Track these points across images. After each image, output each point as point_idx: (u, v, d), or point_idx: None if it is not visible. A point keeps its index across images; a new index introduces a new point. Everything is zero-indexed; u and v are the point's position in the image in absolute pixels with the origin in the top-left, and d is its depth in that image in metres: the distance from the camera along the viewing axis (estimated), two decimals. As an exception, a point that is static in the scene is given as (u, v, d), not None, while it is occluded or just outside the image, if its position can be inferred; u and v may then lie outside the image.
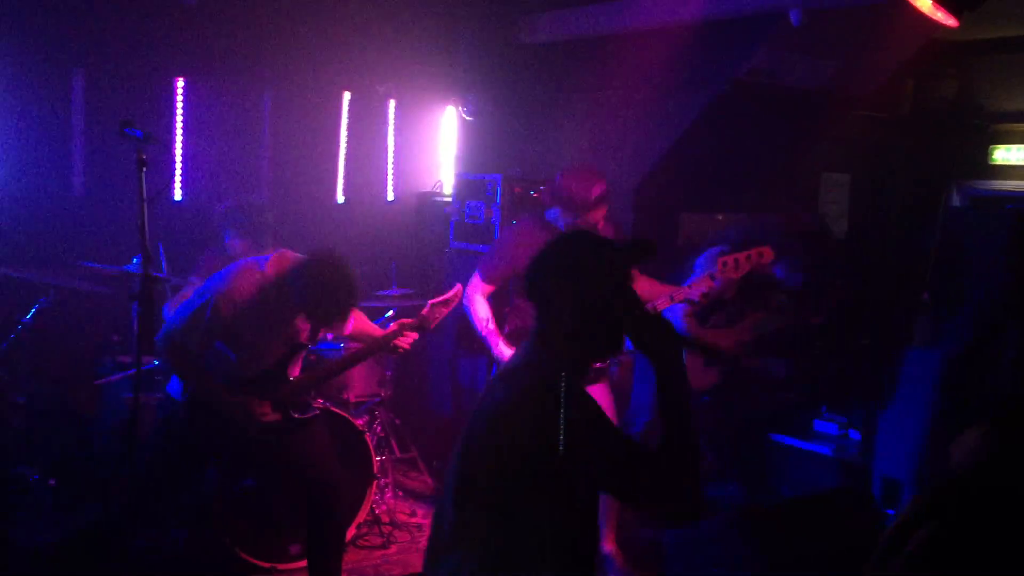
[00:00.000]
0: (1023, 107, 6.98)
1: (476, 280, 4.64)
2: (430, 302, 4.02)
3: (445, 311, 4.04)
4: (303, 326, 3.75)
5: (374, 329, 4.12)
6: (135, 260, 4.60)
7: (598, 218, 4.42)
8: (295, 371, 3.90)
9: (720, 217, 6.38)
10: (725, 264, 4.29)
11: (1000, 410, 0.90)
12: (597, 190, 4.36)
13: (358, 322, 4.11)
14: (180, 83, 5.65)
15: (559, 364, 2.20)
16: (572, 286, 2.26)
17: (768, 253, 4.31)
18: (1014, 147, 7.05)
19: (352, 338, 4.13)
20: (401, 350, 3.99)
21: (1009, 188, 7.08)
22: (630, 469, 2.14)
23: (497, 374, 2.30)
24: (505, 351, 4.55)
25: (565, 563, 2.15)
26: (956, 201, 7.32)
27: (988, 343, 4.77)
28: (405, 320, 4.02)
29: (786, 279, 4.96)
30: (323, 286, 3.51)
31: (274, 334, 3.69)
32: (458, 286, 4.10)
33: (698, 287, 4.32)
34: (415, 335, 3.96)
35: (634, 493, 2.18)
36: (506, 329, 4.68)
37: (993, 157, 7.15)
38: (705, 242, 5.05)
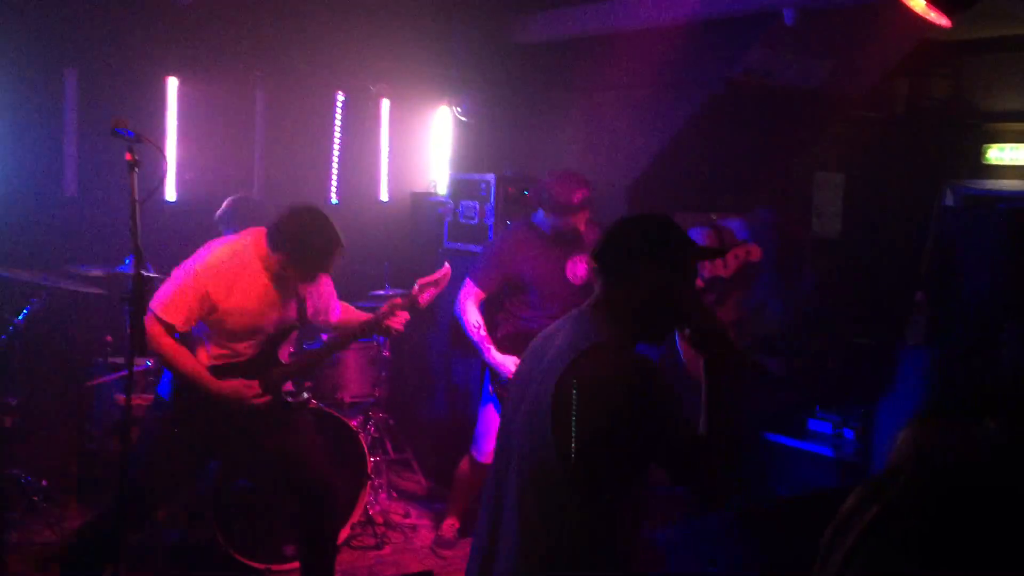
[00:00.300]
0: (1016, 107, 6.99)
1: (468, 286, 4.65)
2: (419, 281, 3.99)
3: (435, 291, 3.99)
4: (289, 299, 3.73)
5: (363, 316, 4.09)
6: (127, 261, 4.59)
7: (580, 221, 4.50)
8: (285, 355, 3.87)
9: (714, 217, 6.37)
10: (714, 262, 4.34)
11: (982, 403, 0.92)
12: (579, 195, 4.43)
13: (346, 312, 4.10)
14: (173, 83, 5.64)
15: (626, 340, 2.23)
16: (654, 264, 2.26)
17: (756, 251, 4.36)
18: (1007, 146, 7.05)
19: (341, 327, 4.10)
20: (394, 331, 3.94)
21: (1002, 187, 7.09)
22: (690, 451, 2.19)
23: (552, 354, 2.27)
24: (497, 357, 4.55)
25: (632, 543, 2.21)
26: (950, 200, 7.33)
27: (983, 342, 4.77)
28: (396, 300, 3.99)
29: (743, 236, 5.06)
30: (304, 228, 3.57)
31: (258, 305, 3.66)
32: (446, 266, 4.07)
33: None
34: (406, 315, 3.91)
35: (686, 475, 2.22)
36: (499, 334, 4.68)
37: (986, 156, 7.16)
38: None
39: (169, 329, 3.55)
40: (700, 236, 5.06)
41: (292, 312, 3.78)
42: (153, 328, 3.55)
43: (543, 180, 4.59)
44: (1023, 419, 0.84)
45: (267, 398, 3.70)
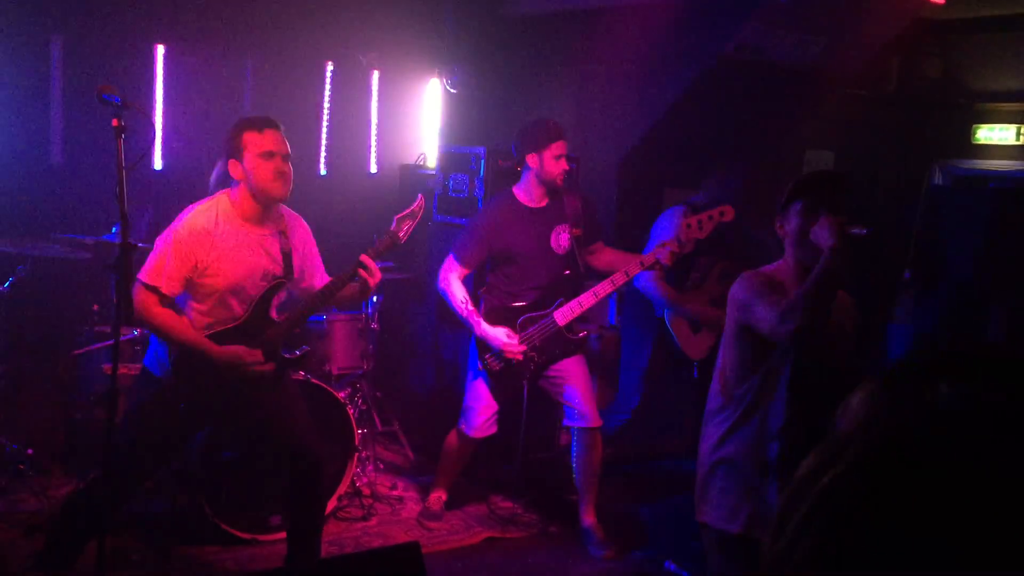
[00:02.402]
0: (1006, 87, 7.00)
1: (451, 263, 4.65)
2: (396, 216, 3.93)
3: (412, 223, 3.93)
4: (274, 251, 3.72)
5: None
6: (114, 229, 4.56)
7: (562, 151, 4.50)
8: (275, 313, 3.84)
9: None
10: (689, 225, 4.38)
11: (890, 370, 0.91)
12: (550, 122, 4.55)
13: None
14: (160, 50, 5.58)
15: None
16: None
17: (729, 212, 4.39)
18: (997, 127, 7.07)
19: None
20: (372, 283, 3.85)
21: (991, 167, 7.11)
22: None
23: None
24: (488, 330, 4.56)
25: None
26: (939, 180, 7.35)
27: (969, 319, 4.80)
28: (368, 253, 3.88)
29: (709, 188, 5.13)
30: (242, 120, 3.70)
31: (246, 263, 3.65)
32: (420, 197, 4.00)
33: (664, 251, 4.38)
34: (375, 266, 3.82)
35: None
36: (483, 309, 4.69)
37: (976, 136, 7.18)
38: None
39: (158, 295, 3.52)
40: (675, 214, 5.07)
41: (279, 265, 3.75)
42: (142, 297, 3.52)
43: (519, 130, 4.65)
44: (980, 383, 0.84)
45: (269, 366, 3.69)
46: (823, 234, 2.88)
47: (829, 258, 2.85)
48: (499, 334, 4.54)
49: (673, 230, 4.98)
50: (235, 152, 3.64)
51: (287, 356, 3.82)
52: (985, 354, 0.85)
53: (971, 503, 0.76)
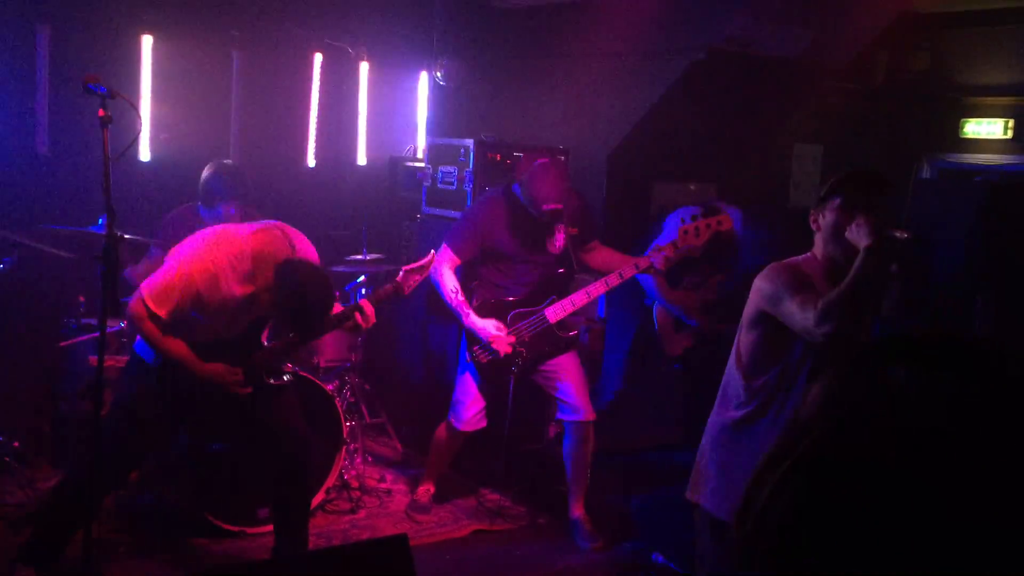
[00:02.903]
0: (994, 81, 7.02)
1: (445, 252, 4.65)
2: (404, 268, 4.00)
3: (419, 278, 4.02)
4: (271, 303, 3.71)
5: (337, 309, 4.03)
6: (100, 220, 4.53)
7: (558, 207, 4.48)
8: (266, 338, 3.87)
9: (692, 187, 6.39)
10: (686, 232, 4.39)
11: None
12: (550, 207, 4.46)
13: None
14: (147, 41, 5.54)
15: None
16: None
17: (727, 221, 4.41)
18: (984, 120, 7.09)
19: None
20: (365, 325, 3.89)
21: (979, 161, 7.13)
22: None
23: None
24: (476, 321, 4.56)
25: None
26: (926, 173, 7.37)
27: (955, 312, 4.82)
28: (378, 292, 3.97)
29: (743, 229, 5.10)
30: (303, 300, 3.52)
31: (245, 308, 3.65)
32: (432, 253, 4.11)
33: (659, 255, 4.39)
34: (371, 311, 3.88)
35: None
36: (474, 302, 4.69)
37: (963, 130, 7.19)
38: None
39: (154, 318, 3.52)
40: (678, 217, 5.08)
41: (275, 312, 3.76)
42: (139, 310, 3.52)
43: (530, 168, 4.56)
44: (935, 367, 0.85)
45: (248, 390, 3.70)
46: (860, 232, 2.85)
47: (864, 258, 2.81)
48: (488, 325, 4.54)
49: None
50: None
51: (272, 383, 3.82)
52: (945, 340, 0.86)
53: (920, 482, 0.78)
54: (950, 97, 7.18)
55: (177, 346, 3.60)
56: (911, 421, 0.82)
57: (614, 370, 5.64)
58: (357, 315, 3.82)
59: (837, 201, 2.96)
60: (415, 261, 4.04)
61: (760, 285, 2.99)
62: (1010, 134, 6.97)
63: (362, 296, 5.42)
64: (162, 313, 3.51)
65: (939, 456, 0.80)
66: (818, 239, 3.05)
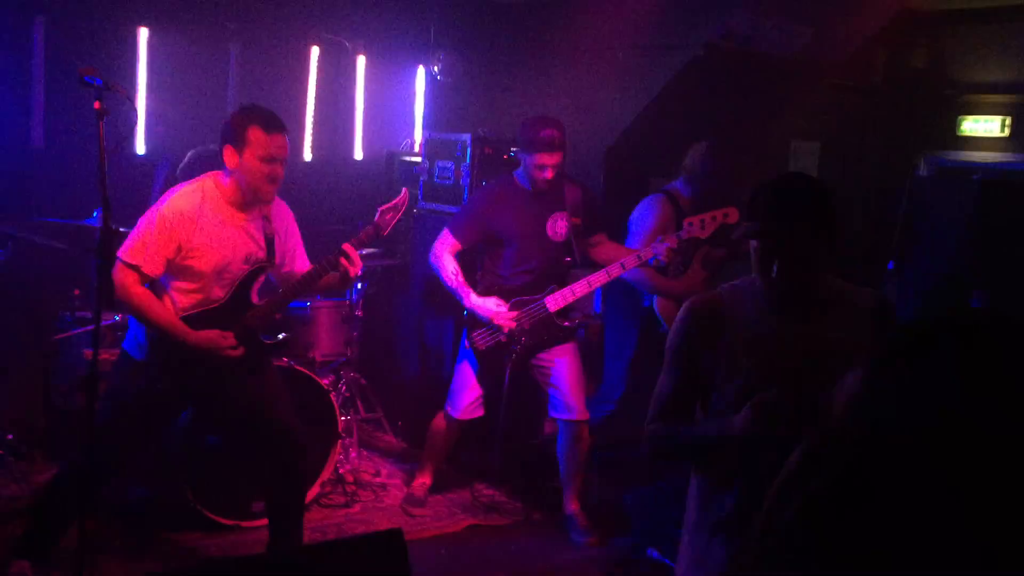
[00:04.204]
0: (992, 78, 7.02)
1: (445, 236, 4.65)
2: (380, 208, 3.93)
3: (396, 216, 3.93)
4: (257, 235, 3.70)
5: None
6: (95, 213, 4.52)
7: (544, 163, 4.46)
8: (256, 297, 3.82)
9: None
10: (691, 224, 4.37)
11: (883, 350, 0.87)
12: (544, 132, 4.46)
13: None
14: (144, 33, 5.53)
15: None
16: None
17: (733, 213, 4.38)
18: (982, 118, 7.09)
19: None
20: (352, 270, 3.84)
21: (976, 159, 7.13)
22: None
23: None
24: (476, 301, 4.56)
25: None
26: (924, 171, 7.37)
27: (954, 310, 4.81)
28: (351, 242, 3.88)
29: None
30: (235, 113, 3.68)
31: (228, 238, 3.61)
32: (404, 191, 4.02)
33: (662, 247, 4.36)
34: (357, 256, 3.83)
35: None
36: (477, 290, 4.69)
37: (961, 128, 7.19)
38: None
39: (138, 274, 3.49)
40: (652, 203, 5.06)
41: (262, 250, 3.73)
42: (122, 276, 3.49)
43: (520, 124, 4.60)
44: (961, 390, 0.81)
45: (242, 350, 3.66)
46: (744, 420, 2.20)
47: (730, 436, 2.23)
48: (488, 303, 4.53)
49: (654, 219, 4.96)
50: (235, 141, 3.59)
51: (267, 341, 3.80)
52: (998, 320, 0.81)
53: (946, 511, 0.74)
54: (948, 95, 7.18)
55: (165, 314, 3.56)
56: (953, 425, 0.77)
57: (616, 379, 5.60)
58: (343, 260, 3.75)
59: (754, 243, 2.32)
60: (390, 201, 3.95)
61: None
62: (1007, 132, 6.97)
63: (357, 295, 5.43)
64: (142, 264, 3.48)
65: (990, 465, 0.76)
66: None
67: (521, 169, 4.65)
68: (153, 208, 3.60)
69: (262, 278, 3.81)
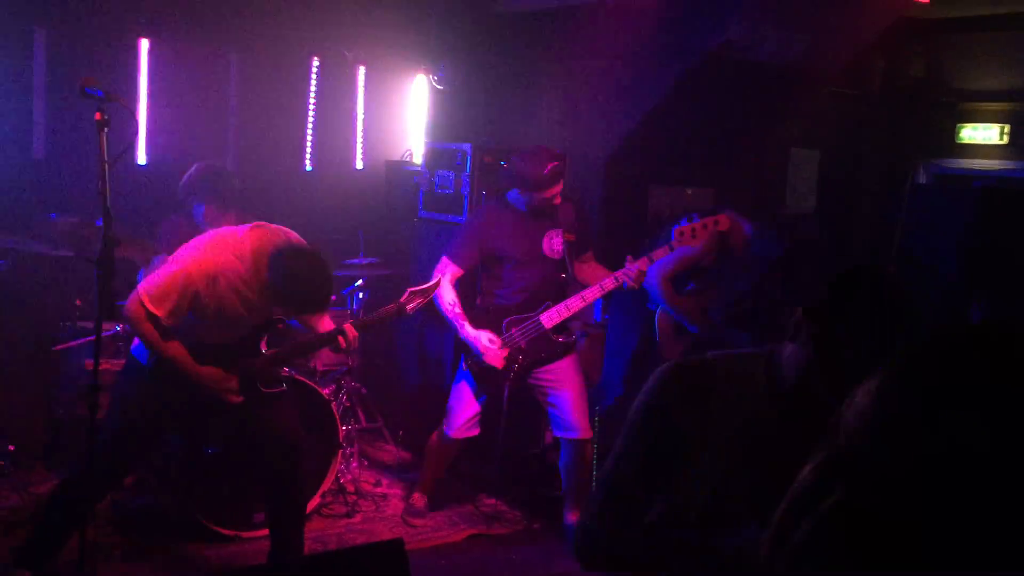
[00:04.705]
0: (990, 86, 7.04)
1: (444, 264, 4.67)
2: (409, 290, 4.06)
3: (422, 300, 4.08)
4: (270, 302, 3.71)
5: (330, 326, 4.04)
6: (97, 223, 4.52)
7: (552, 194, 4.50)
8: (264, 345, 3.86)
9: (689, 191, 6.39)
10: (682, 233, 4.37)
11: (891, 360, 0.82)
12: (549, 168, 4.47)
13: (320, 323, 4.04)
14: (145, 44, 5.55)
15: None
16: None
17: (724, 221, 4.38)
18: (980, 126, 7.11)
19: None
20: (344, 346, 3.92)
21: (975, 167, 7.15)
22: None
23: None
24: (471, 332, 4.57)
25: None
26: (923, 178, 7.38)
27: (950, 317, 4.82)
28: (361, 320, 4.02)
29: (754, 244, 5.02)
30: (300, 277, 3.49)
31: (247, 308, 3.64)
32: (438, 278, 4.20)
33: (632, 268, 4.36)
34: (355, 333, 3.90)
35: None
36: (473, 312, 4.71)
37: (960, 136, 7.21)
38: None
39: (152, 319, 3.50)
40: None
41: (274, 312, 3.76)
42: (137, 311, 3.50)
43: (513, 159, 4.61)
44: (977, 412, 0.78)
45: (240, 399, 3.70)
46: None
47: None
48: (481, 338, 4.55)
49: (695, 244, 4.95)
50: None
51: (265, 391, 3.82)
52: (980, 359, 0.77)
53: (966, 531, 0.72)
54: (946, 102, 7.20)
55: (174, 348, 3.59)
56: (970, 443, 0.74)
57: (615, 376, 5.62)
58: (340, 338, 3.86)
59: (814, 330, 1.81)
60: (421, 285, 4.09)
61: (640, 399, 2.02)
62: (1006, 139, 6.99)
63: (358, 305, 5.45)
64: (160, 313, 3.49)
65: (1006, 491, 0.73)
66: (795, 345, 1.86)
67: (515, 194, 4.65)
68: (189, 256, 3.55)
69: (274, 328, 3.87)
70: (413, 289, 4.05)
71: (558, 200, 4.57)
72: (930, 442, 0.76)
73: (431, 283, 4.11)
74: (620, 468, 1.93)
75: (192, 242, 3.64)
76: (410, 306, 4.04)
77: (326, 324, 3.98)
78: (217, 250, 3.57)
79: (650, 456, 1.89)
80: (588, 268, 4.80)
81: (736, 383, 1.89)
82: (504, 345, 4.58)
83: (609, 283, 4.49)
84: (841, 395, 0.98)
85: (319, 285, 3.55)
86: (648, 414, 1.92)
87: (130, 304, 3.51)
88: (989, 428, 0.74)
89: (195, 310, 3.55)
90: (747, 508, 1.71)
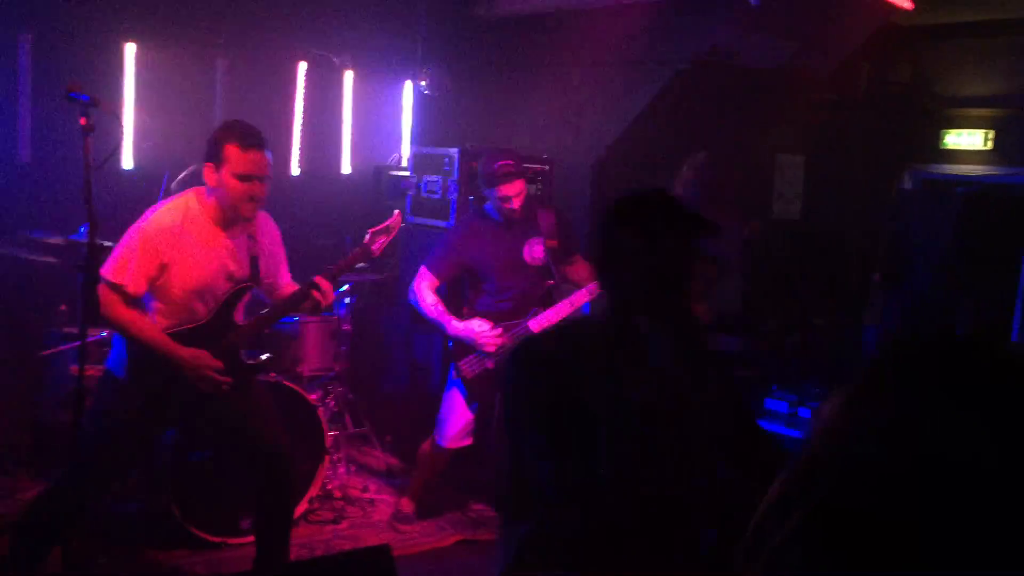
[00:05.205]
0: (974, 92, 7.08)
1: (423, 274, 4.71)
2: (371, 231, 3.99)
3: (386, 238, 3.99)
4: (241, 254, 3.69)
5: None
6: (82, 229, 4.51)
7: (506, 194, 4.54)
8: (240, 318, 3.82)
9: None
10: None
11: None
12: (498, 164, 4.53)
13: (290, 289, 4.01)
14: (130, 49, 5.53)
15: None
16: None
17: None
18: (965, 132, 7.15)
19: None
20: (323, 302, 3.86)
21: (959, 172, 7.18)
22: None
23: None
24: (458, 325, 4.57)
25: None
26: (908, 184, 7.42)
27: (935, 322, 4.85)
28: (332, 270, 3.91)
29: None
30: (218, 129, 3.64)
31: (212, 264, 3.61)
32: (397, 213, 4.11)
33: None
34: (329, 286, 3.84)
35: None
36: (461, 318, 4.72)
37: (944, 142, 7.25)
38: None
39: (122, 294, 3.47)
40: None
41: (245, 269, 3.72)
42: (107, 295, 3.48)
43: (479, 162, 4.69)
44: (919, 399, 0.80)
45: (229, 379, 3.66)
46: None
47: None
48: (472, 325, 4.56)
49: None
50: (214, 158, 3.58)
51: (249, 361, 3.79)
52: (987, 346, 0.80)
53: (929, 538, 0.73)
54: (931, 109, 7.24)
55: (151, 330, 3.55)
56: (941, 450, 0.76)
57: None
58: (314, 292, 3.77)
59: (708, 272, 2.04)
60: (381, 222, 4.01)
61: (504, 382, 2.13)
62: (990, 145, 7.03)
63: (344, 310, 5.43)
64: (124, 281, 3.45)
65: (976, 496, 0.75)
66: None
67: (490, 204, 4.72)
68: (135, 225, 3.58)
69: (247, 297, 3.82)
70: (374, 229, 3.97)
71: (516, 204, 4.58)
72: (928, 443, 0.77)
73: (391, 220, 4.00)
74: (541, 464, 2.00)
75: (145, 212, 3.65)
76: (375, 246, 3.97)
77: (291, 285, 3.94)
78: (166, 213, 3.58)
79: (546, 426, 1.99)
80: (581, 269, 4.81)
81: (581, 340, 2.04)
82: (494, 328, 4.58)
83: (596, 287, 4.50)
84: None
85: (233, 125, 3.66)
86: (523, 392, 2.02)
87: (99, 292, 3.48)
88: (986, 430, 0.76)
89: (162, 274, 3.51)
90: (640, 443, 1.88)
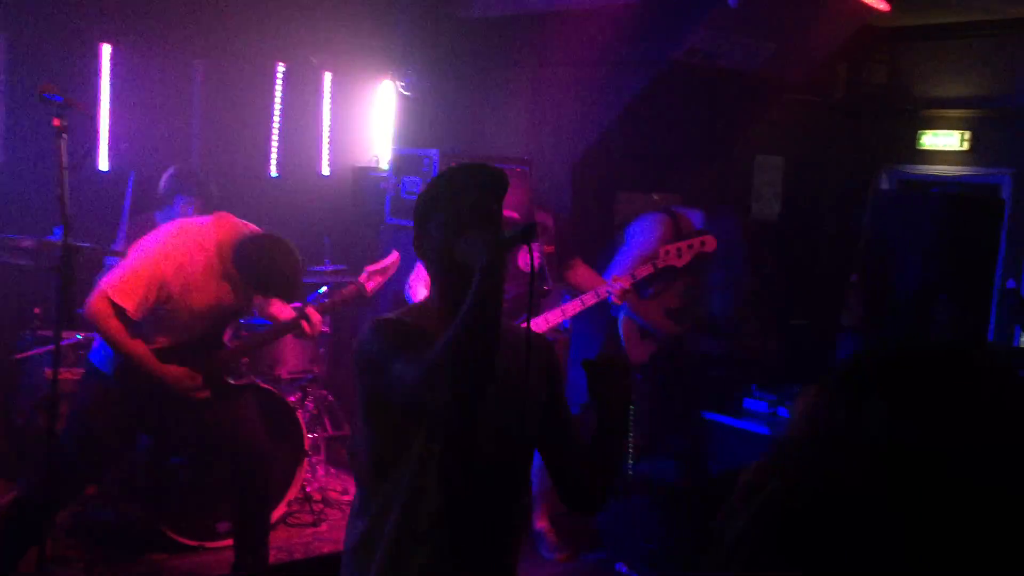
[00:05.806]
0: (951, 93, 7.14)
1: (419, 271, 4.67)
2: (367, 269, 3.99)
3: (382, 279, 4.01)
4: (236, 290, 3.68)
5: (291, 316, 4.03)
6: (56, 231, 4.46)
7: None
8: (227, 337, 3.82)
9: (656, 197, 6.42)
10: (667, 252, 4.37)
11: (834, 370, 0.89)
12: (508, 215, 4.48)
13: (280, 311, 4.01)
14: (106, 50, 5.48)
15: None
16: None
17: (711, 241, 4.40)
18: (941, 132, 7.21)
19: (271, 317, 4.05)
20: (310, 332, 3.89)
21: (936, 172, 7.25)
22: None
23: None
24: None
25: None
26: (885, 184, 7.48)
27: (915, 321, 4.88)
28: (324, 304, 3.96)
29: (710, 227, 5.07)
30: (274, 258, 3.52)
31: (211, 297, 3.60)
32: (395, 253, 4.10)
33: (616, 286, 4.36)
34: (319, 318, 3.88)
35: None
36: None
37: (921, 142, 7.31)
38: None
39: (119, 313, 3.45)
40: (655, 223, 5.07)
41: (241, 300, 3.73)
42: (102, 307, 3.44)
43: None
44: (913, 398, 0.82)
45: (207, 392, 3.65)
46: (471, 251, 2.10)
47: (480, 281, 2.08)
48: None
49: (654, 240, 4.96)
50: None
51: (232, 383, 3.78)
52: (918, 367, 0.83)
53: (905, 510, 0.76)
54: (908, 109, 7.30)
55: (139, 347, 3.53)
56: (895, 446, 0.79)
57: (580, 382, 5.63)
58: (304, 323, 3.80)
59: (439, 218, 2.18)
60: (378, 263, 4.03)
61: (360, 351, 2.22)
62: (966, 146, 7.10)
63: (311, 300, 5.41)
64: (128, 306, 3.44)
65: (926, 482, 0.77)
66: (430, 275, 2.31)
67: None
68: (151, 246, 3.54)
69: (236, 320, 3.84)
70: (370, 268, 4.00)
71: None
72: (852, 445, 0.80)
73: (388, 261, 4.04)
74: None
75: (153, 233, 3.62)
76: (370, 285, 4.00)
77: (287, 312, 3.94)
78: (181, 238, 3.56)
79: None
80: (579, 273, 4.79)
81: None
82: None
83: (590, 299, 4.49)
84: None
85: (291, 265, 3.56)
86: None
87: (93, 302, 3.45)
88: (959, 432, 0.78)
89: (164, 300, 3.50)
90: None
